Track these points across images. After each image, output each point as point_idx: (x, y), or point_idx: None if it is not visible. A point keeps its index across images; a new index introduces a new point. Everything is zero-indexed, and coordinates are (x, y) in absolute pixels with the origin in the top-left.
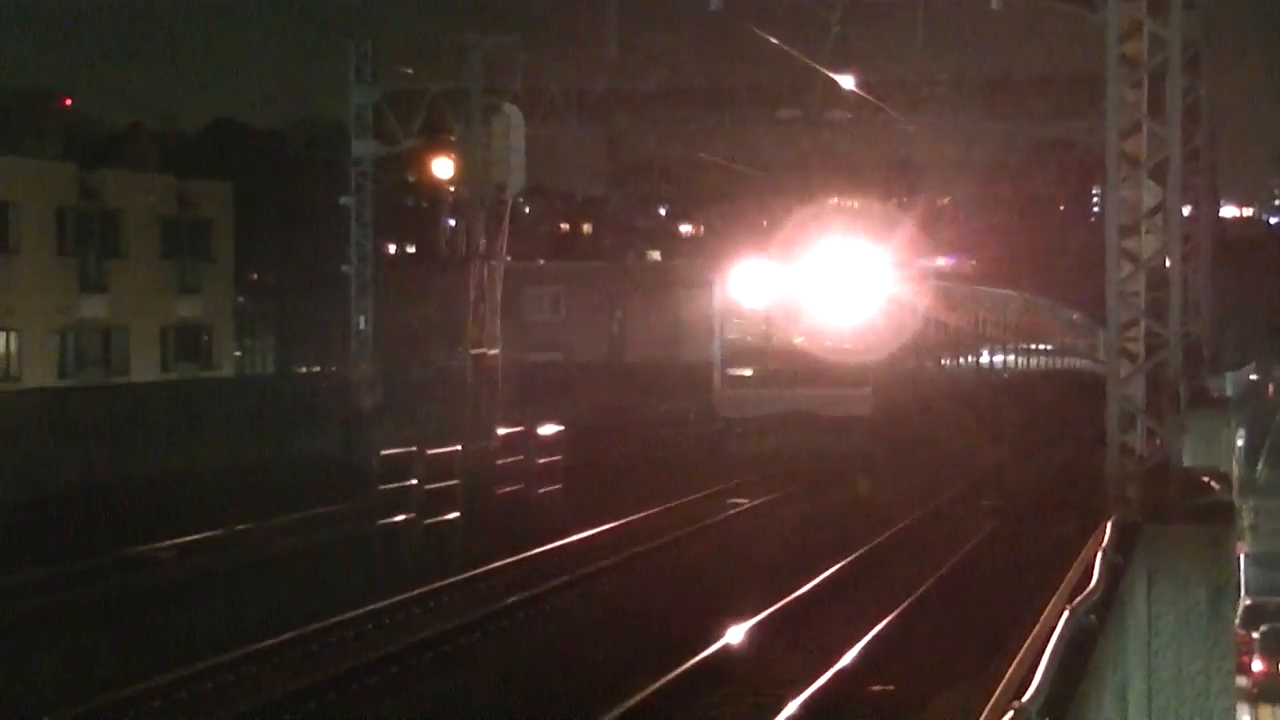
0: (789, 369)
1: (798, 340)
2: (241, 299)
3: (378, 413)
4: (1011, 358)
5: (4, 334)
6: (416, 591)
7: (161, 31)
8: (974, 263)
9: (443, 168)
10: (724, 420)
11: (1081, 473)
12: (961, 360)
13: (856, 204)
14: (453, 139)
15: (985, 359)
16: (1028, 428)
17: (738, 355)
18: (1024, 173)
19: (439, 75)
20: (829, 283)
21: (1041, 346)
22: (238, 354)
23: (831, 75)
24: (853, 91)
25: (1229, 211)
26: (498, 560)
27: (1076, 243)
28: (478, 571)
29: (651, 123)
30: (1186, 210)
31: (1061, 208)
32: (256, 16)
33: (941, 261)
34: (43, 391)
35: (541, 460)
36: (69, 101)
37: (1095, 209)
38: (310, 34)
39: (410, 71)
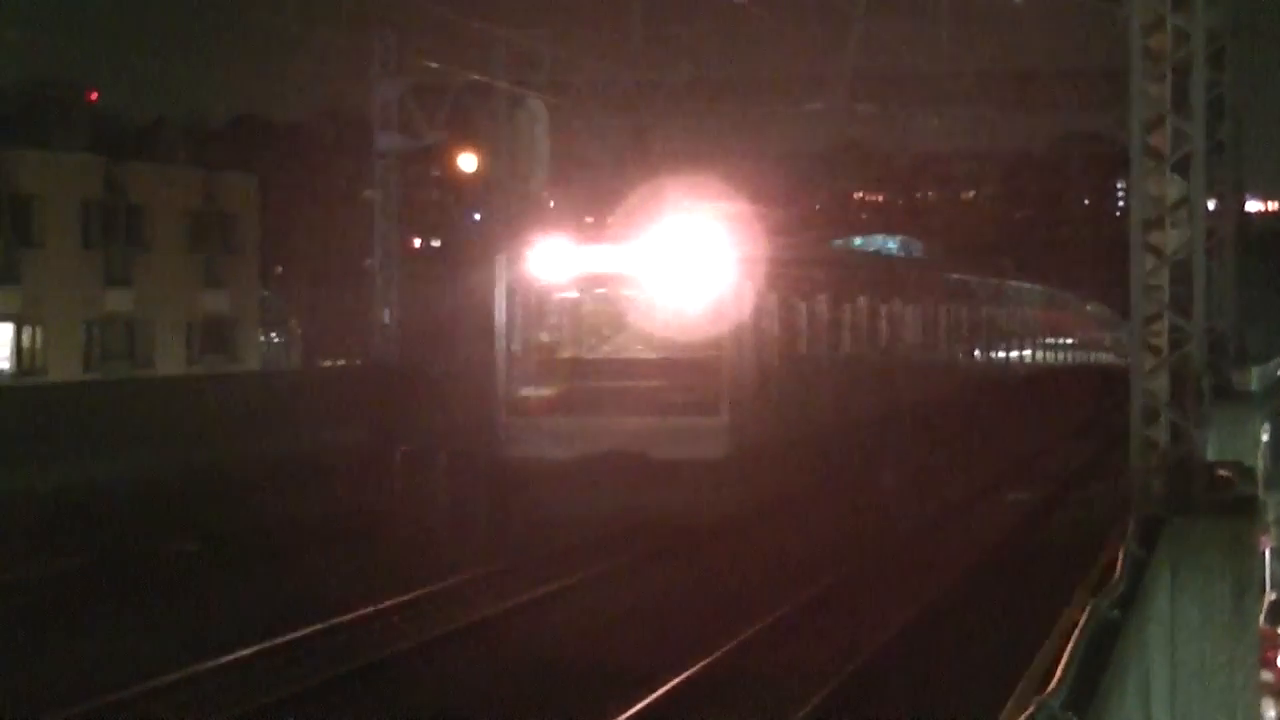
0: (605, 389)
1: (620, 348)
2: (266, 292)
3: None
4: (1007, 354)
5: (30, 327)
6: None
7: (186, 25)
8: (920, 243)
9: (468, 162)
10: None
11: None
12: (926, 358)
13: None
14: (478, 132)
15: (959, 357)
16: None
17: (531, 369)
18: (1048, 165)
19: (464, 68)
20: (671, 269)
21: (1049, 340)
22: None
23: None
24: (877, 84)
25: (1254, 205)
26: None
27: (1098, 235)
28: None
29: (677, 115)
30: (1211, 204)
31: (1086, 201)
32: (281, 9)
33: (891, 244)
34: (67, 385)
35: None
36: (95, 95)
37: (1120, 202)
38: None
39: (435, 65)
